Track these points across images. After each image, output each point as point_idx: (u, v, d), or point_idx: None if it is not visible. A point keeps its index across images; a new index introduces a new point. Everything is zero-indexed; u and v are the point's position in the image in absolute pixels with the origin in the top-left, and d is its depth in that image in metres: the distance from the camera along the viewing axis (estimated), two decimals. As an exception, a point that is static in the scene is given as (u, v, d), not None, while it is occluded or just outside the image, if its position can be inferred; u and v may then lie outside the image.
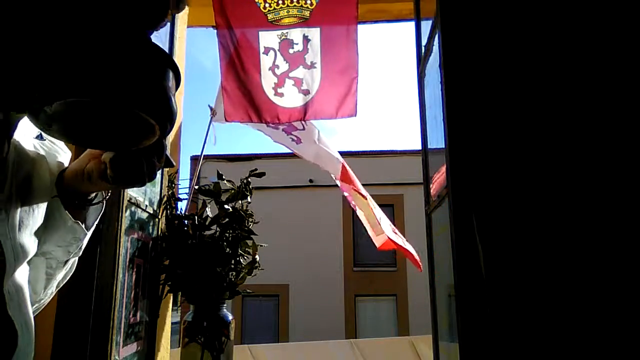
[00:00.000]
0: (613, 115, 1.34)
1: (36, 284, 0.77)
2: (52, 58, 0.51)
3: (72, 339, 1.35)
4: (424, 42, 1.85)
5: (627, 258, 1.24)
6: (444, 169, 1.45)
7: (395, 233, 3.98)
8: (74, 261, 0.84)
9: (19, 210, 0.66)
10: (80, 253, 0.83)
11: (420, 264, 3.90)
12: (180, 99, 2.29)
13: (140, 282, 1.70)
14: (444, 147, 1.40)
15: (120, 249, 1.48)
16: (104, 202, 0.82)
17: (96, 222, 0.84)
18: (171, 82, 0.59)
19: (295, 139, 3.37)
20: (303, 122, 3.27)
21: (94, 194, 0.79)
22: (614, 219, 1.27)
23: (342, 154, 3.72)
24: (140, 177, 0.68)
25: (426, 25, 1.80)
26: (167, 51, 0.60)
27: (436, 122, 1.56)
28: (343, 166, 3.59)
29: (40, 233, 0.73)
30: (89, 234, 0.82)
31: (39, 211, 0.72)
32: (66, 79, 0.51)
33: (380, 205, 4.09)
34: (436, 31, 1.57)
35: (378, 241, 3.96)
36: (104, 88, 0.52)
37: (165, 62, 0.58)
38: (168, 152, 0.71)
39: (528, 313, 1.22)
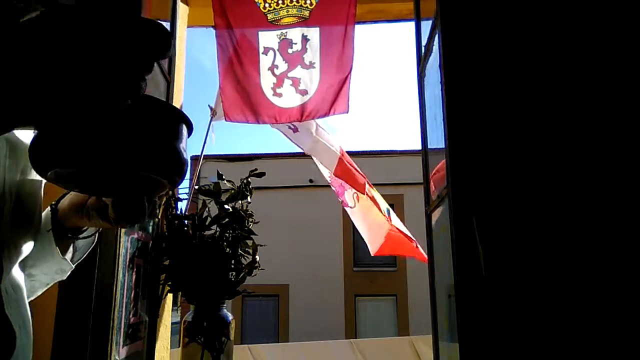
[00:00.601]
0: (614, 115, 1.34)
1: None
2: (54, 127, 0.49)
3: (72, 339, 1.35)
4: (424, 42, 1.85)
5: (628, 258, 1.24)
6: (442, 166, 1.45)
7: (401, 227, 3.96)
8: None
9: (13, 207, 0.65)
10: (65, 277, 0.83)
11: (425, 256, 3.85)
12: (180, 98, 2.29)
13: (140, 282, 1.70)
14: (444, 147, 1.40)
15: (120, 249, 1.48)
16: (96, 235, 0.82)
17: (86, 254, 0.84)
18: (183, 139, 0.57)
19: (293, 127, 3.37)
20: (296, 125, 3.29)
21: (85, 227, 0.79)
22: (615, 219, 1.27)
23: (342, 153, 3.70)
24: (142, 217, 0.67)
25: (426, 25, 1.80)
26: (174, 106, 0.57)
27: (436, 122, 1.56)
28: (340, 160, 3.57)
29: (29, 258, 0.73)
30: (74, 265, 0.82)
31: (34, 208, 0.71)
32: (71, 149, 0.50)
33: (380, 206, 4.07)
34: (436, 31, 1.57)
35: (373, 247, 3.90)
36: (112, 157, 0.51)
37: (174, 117, 0.57)
38: None
39: (528, 313, 1.22)
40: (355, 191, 3.66)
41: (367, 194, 3.70)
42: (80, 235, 0.79)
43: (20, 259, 0.69)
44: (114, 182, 0.58)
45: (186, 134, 0.58)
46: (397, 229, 3.88)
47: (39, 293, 0.82)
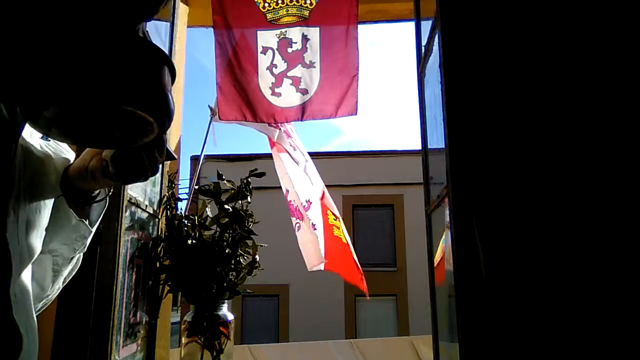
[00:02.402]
0: (614, 115, 1.34)
1: (43, 281, 0.78)
2: (45, 62, 0.50)
3: (72, 339, 1.35)
4: (424, 42, 1.85)
5: (628, 258, 1.24)
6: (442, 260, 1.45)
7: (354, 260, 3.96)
8: (79, 257, 0.85)
9: (27, 211, 0.66)
10: (85, 249, 0.84)
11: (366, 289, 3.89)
12: (180, 98, 2.29)
13: (140, 282, 1.70)
14: (444, 147, 1.40)
15: (120, 249, 1.48)
16: (107, 198, 0.83)
17: (100, 218, 0.85)
18: (167, 78, 0.58)
19: (293, 145, 3.40)
20: (295, 143, 3.32)
21: (97, 191, 0.80)
22: (615, 219, 1.27)
23: (343, 154, 3.72)
24: (143, 171, 0.68)
25: (426, 25, 1.80)
26: (162, 49, 0.58)
27: (436, 122, 1.56)
28: (323, 191, 3.70)
29: (46, 232, 0.74)
30: (94, 230, 0.83)
31: (46, 211, 0.73)
32: (60, 82, 0.51)
33: (380, 206, 4.06)
34: (436, 31, 1.57)
35: (315, 261, 3.85)
36: (98, 89, 0.51)
37: (159, 58, 0.58)
38: (170, 146, 0.72)
39: (528, 313, 1.22)
40: (298, 221, 3.67)
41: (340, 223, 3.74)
42: (92, 200, 0.80)
43: (30, 263, 0.69)
44: (104, 125, 0.58)
45: (169, 78, 0.58)
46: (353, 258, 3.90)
47: (65, 274, 0.82)
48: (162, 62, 0.58)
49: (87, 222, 0.80)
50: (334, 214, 3.77)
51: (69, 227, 0.77)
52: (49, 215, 0.74)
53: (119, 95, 0.53)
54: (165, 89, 0.57)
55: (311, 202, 3.65)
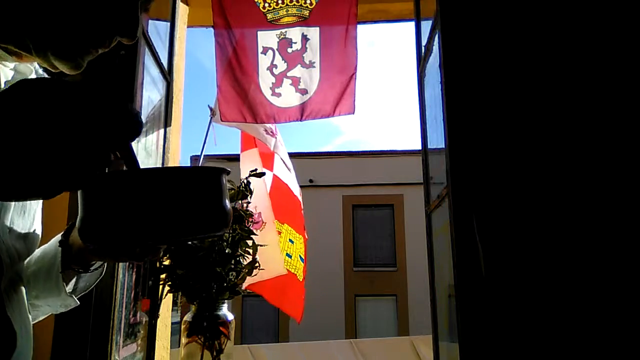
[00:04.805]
0: (613, 115, 1.34)
1: None
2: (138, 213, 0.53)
3: (72, 339, 1.35)
4: (424, 42, 1.85)
5: (627, 258, 1.24)
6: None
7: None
8: None
9: (10, 211, 0.65)
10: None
11: (301, 316, 3.77)
12: (180, 98, 2.29)
13: (140, 282, 1.70)
14: (444, 147, 1.40)
15: (120, 249, 1.48)
16: (104, 267, 0.83)
17: (93, 285, 0.85)
18: (226, 192, 0.60)
19: (284, 153, 3.42)
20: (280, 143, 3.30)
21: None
22: (614, 219, 1.27)
23: (343, 154, 3.72)
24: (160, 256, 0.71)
25: (426, 25, 1.80)
26: (223, 168, 0.61)
27: (436, 122, 1.56)
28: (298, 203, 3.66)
29: (34, 289, 0.73)
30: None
31: (30, 212, 0.71)
32: (151, 228, 0.53)
33: (380, 205, 4.06)
34: (436, 31, 1.57)
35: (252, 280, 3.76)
36: (181, 230, 0.55)
37: (219, 176, 0.59)
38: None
39: (528, 313, 1.22)
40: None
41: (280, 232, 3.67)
42: (91, 269, 0.79)
43: (20, 262, 0.69)
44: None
45: (226, 182, 0.61)
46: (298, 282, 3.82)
47: (40, 319, 0.82)
48: (218, 176, 0.59)
49: (72, 286, 0.79)
50: (302, 234, 3.74)
51: (57, 297, 0.77)
52: (37, 218, 0.73)
53: (196, 231, 0.57)
54: (226, 209, 0.59)
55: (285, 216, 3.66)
